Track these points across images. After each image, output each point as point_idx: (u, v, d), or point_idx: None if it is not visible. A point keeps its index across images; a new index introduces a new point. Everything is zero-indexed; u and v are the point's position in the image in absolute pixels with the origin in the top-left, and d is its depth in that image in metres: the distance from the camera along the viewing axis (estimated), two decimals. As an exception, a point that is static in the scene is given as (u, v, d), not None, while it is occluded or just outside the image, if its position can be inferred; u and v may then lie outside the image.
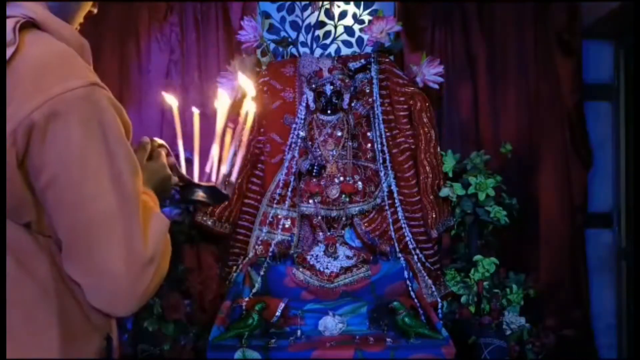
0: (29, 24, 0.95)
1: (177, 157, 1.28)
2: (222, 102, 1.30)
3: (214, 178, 1.26)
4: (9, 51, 0.89)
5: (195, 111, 1.35)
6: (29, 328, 0.91)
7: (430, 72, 2.63)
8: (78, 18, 1.08)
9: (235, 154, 1.28)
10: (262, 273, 2.36)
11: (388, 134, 2.61)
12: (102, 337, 0.99)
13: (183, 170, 1.26)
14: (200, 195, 1.24)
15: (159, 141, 1.22)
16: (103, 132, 0.90)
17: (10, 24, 0.92)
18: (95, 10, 1.13)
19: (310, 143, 2.56)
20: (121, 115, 0.96)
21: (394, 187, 2.58)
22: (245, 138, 1.30)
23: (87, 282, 0.92)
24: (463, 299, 2.45)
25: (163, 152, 1.21)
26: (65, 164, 0.88)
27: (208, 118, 2.74)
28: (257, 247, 2.50)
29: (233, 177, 1.27)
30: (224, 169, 1.26)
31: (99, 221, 0.89)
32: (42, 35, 0.95)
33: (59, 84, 0.89)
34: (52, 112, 0.87)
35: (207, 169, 1.27)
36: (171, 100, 1.36)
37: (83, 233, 0.89)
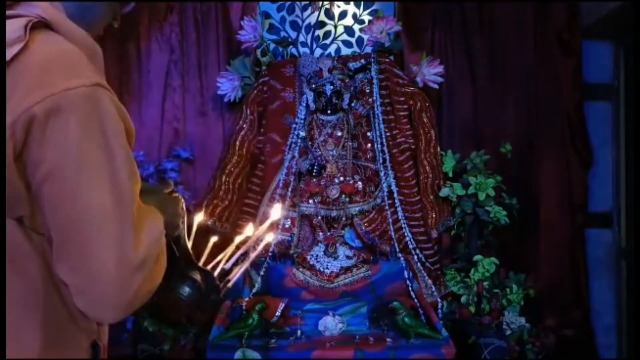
0: (42, 25, 0.95)
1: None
2: (247, 231, 1.28)
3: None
4: (17, 47, 0.90)
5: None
6: (11, 327, 0.91)
7: (430, 72, 2.63)
8: (97, 28, 1.09)
9: (240, 260, 1.22)
10: (262, 273, 2.36)
11: (388, 134, 2.61)
12: (89, 343, 0.98)
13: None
14: (197, 276, 1.14)
15: (178, 195, 1.21)
16: (103, 132, 0.90)
17: (22, 22, 0.93)
18: (116, 25, 1.14)
19: (310, 143, 2.56)
20: (124, 119, 0.96)
21: (394, 187, 2.58)
22: (253, 256, 1.27)
23: (75, 282, 0.91)
24: (463, 299, 2.45)
25: (182, 202, 1.18)
26: (62, 161, 0.88)
27: (207, 118, 2.77)
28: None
29: (230, 282, 1.20)
30: (225, 266, 1.19)
31: (92, 220, 0.88)
32: (53, 35, 0.96)
33: (63, 81, 0.89)
34: (53, 107, 0.87)
35: (210, 266, 1.20)
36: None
37: (75, 231, 0.89)
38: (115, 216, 0.89)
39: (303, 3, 2.82)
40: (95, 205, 0.88)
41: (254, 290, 2.32)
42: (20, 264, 0.92)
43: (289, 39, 2.77)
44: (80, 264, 0.89)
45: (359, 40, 2.82)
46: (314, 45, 2.82)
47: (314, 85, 2.55)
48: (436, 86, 2.65)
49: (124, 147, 0.93)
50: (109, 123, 0.91)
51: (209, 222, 2.54)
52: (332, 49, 2.83)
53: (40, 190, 0.89)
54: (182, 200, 1.19)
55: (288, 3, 2.83)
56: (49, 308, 0.93)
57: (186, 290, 1.13)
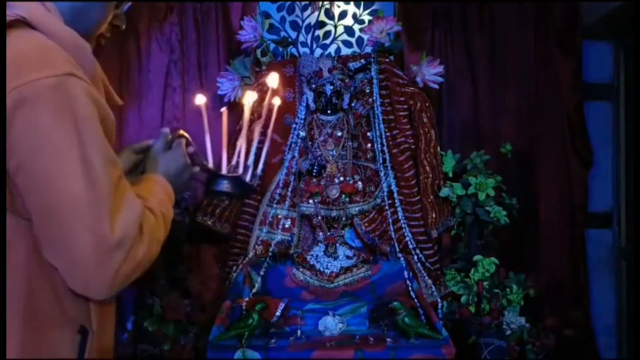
0: (21, 23, 0.97)
1: (204, 153, 1.34)
2: (248, 99, 1.37)
3: (240, 170, 1.30)
4: None
5: (224, 110, 1.45)
6: None
7: (430, 72, 2.63)
8: (95, 28, 1.11)
9: (259, 147, 1.35)
10: (262, 273, 2.36)
11: (388, 134, 2.61)
12: (76, 331, 0.99)
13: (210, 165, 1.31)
14: (225, 186, 1.27)
15: (180, 132, 1.27)
16: (74, 119, 0.92)
17: None
18: (123, 26, 1.16)
19: (310, 143, 2.56)
20: (100, 107, 0.97)
21: (394, 187, 2.58)
22: (269, 131, 1.37)
23: (60, 265, 0.94)
24: (463, 299, 2.46)
25: (183, 142, 1.24)
26: (33, 151, 0.90)
27: (207, 117, 2.76)
28: (257, 247, 2.50)
29: (258, 169, 1.31)
30: (248, 161, 1.31)
31: (67, 207, 0.91)
32: (32, 33, 0.98)
33: (31, 72, 0.91)
34: (20, 99, 0.89)
35: (234, 162, 1.31)
36: (200, 99, 1.43)
37: (52, 218, 0.92)
38: (90, 201, 0.91)
39: (303, 3, 2.82)
40: (69, 192, 0.91)
41: (254, 290, 2.31)
42: (6, 249, 0.94)
43: (289, 39, 2.77)
44: (61, 249, 0.93)
45: (359, 40, 2.82)
46: (314, 45, 2.82)
47: (314, 85, 2.55)
48: (436, 86, 2.65)
49: (96, 133, 0.94)
50: (80, 110, 0.93)
51: (209, 222, 2.55)
52: (332, 49, 2.83)
53: (15, 179, 0.92)
54: (184, 141, 1.25)
55: (288, 3, 2.83)
56: (32, 294, 0.96)
57: (224, 199, 1.25)
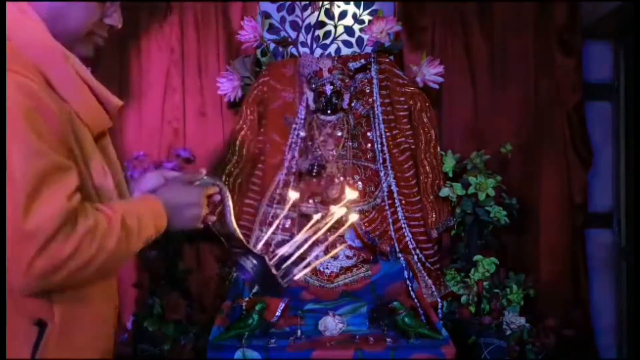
0: None
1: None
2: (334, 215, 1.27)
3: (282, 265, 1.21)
4: None
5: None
6: None
7: (430, 72, 2.63)
8: (81, 28, 1.10)
9: (306, 251, 1.22)
10: (262, 273, 2.35)
11: (388, 134, 2.61)
12: (31, 323, 0.99)
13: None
14: (246, 263, 1.18)
15: (218, 182, 1.23)
16: None
17: None
18: (119, 25, 1.15)
19: (310, 143, 2.56)
20: (36, 101, 0.97)
21: (394, 187, 2.58)
22: (328, 247, 1.25)
23: None
24: (463, 299, 2.46)
25: (210, 186, 1.21)
26: None
27: (207, 118, 2.77)
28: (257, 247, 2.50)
29: (296, 274, 1.21)
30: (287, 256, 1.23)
31: None
32: None
33: None
34: None
35: (280, 251, 1.23)
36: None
37: None
38: (8, 192, 0.92)
39: (303, 3, 2.81)
40: None
41: (254, 290, 2.31)
42: None
43: (289, 39, 2.77)
44: None
45: (359, 40, 2.81)
46: (314, 45, 2.82)
47: (313, 85, 2.55)
48: (436, 86, 2.65)
49: (20, 129, 0.94)
50: (8, 106, 0.94)
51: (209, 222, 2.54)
52: (332, 49, 2.83)
53: None
54: (215, 191, 1.21)
55: (288, 3, 2.83)
56: None
57: (246, 275, 1.18)
